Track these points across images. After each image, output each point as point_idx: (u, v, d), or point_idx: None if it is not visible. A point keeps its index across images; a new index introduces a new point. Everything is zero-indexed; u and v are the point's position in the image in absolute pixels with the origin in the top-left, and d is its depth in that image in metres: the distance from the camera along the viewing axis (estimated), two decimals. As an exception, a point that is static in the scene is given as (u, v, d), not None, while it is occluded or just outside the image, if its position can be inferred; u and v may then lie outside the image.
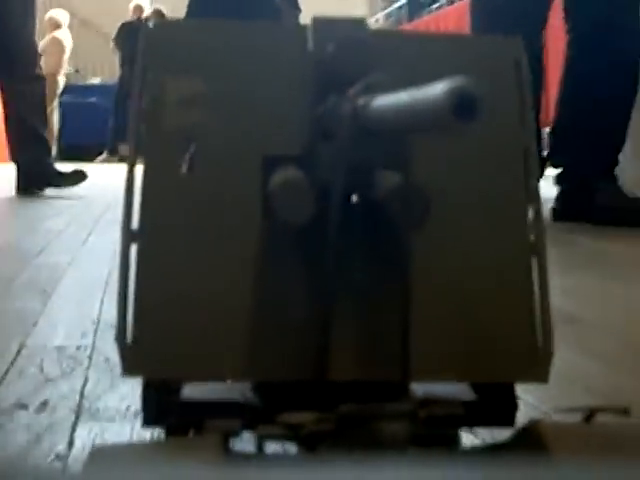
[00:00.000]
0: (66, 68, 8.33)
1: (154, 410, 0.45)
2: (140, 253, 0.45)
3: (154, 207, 0.45)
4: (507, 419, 0.46)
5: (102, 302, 1.17)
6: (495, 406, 0.46)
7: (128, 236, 0.45)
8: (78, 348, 0.92)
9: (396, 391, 0.44)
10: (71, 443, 0.63)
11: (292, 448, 0.42)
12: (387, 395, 0.44)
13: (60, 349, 0.92)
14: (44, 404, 0.72)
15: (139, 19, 8.32)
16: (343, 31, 0.46)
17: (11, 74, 3.27)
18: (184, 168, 0.46)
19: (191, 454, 0.38)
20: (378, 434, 0.41)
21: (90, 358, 0.88)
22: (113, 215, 2.52)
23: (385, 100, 0.37)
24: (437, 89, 0.32)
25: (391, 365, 0.45)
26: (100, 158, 8.08)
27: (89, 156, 7.83)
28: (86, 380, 0.80)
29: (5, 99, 3.38)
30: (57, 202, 3.02)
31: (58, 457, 0.60)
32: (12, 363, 0.85)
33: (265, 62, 0.47)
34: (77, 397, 0.74)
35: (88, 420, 0.68)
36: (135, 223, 0.45)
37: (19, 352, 0.90)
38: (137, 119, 0.47)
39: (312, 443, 0.41)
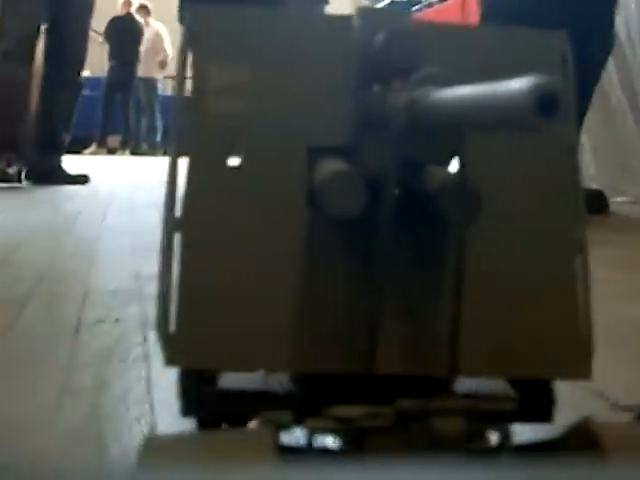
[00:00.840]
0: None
1: (192, 400, 0.45)
2: (183, 243, 0.45)
3: (197, 196, 0.45)
4: (545, 416, 0.47)
5: (136, 263, 1.48)
6: (534, 402, 0.47)
7: (171, 225, 0.45)
8: (129, 291, 1.23)
9: (440, 387, 0.45)
10: (145, 340, 0.94)
11: (337, 442, 0.43)
12: (431, 391, 0.44)
13: (115, 292, 1.23)
14: (117, 320, 1.04)
15: (128, 14, 8.60)
16: (390, 22, 0.45)
17: (56, 75, 3.44)
18: (228, 157, 0.46)
19: (244, 448, 0.38)
20: (431, 430, 0.41)
21: (140, 295, 1.19)
22: (119, 201, 2.84)
23: (447, 94, 0.37)
24: (518, 86, 0.32)
25: (438, 361, 0.45)
26: (88, 150, 8.34)
27: (77, 147, 8.08)
28: (142, 307, 1.11)
29: (41, 97, 3.51)
30: (62, 189, 3.32)
31: (135, 359, 0.91)
32: (83, 300, 1.17)
33: (310, 52, 0.47)
34: (139, 317, 1.06)
35: (153, 329, 1.00)
36: (178, 212, 0.45)
37: (85, 293, 1.21)
38: (180, 108, 0.47)
39: (362, 438, 0.41)
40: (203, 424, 0.46)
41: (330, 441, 0.42)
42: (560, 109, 0.31)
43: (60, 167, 3.57)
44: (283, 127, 0.46)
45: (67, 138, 3.62)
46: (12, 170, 3.33)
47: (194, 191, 0.45)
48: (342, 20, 0.47)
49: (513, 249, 0.47)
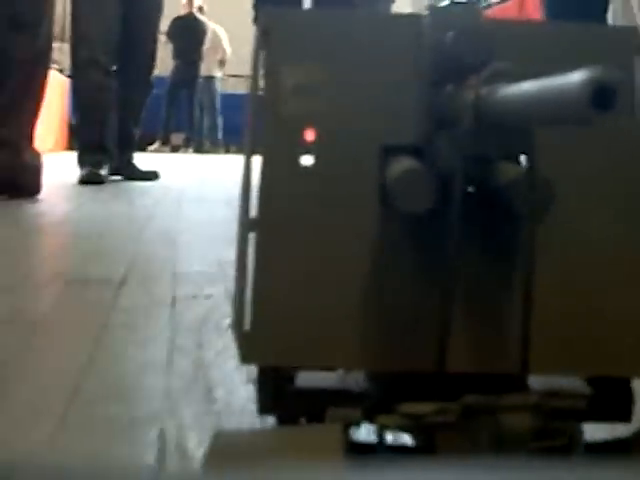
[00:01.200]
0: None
1: (269, 398, 0.46)
2: (258, 242, 0.45)
3: (272, 195, 0.46)
4: (624, 414, 0.47)
5: (216, 251, 1.63)
6: (612, 400, 0.46)
7: (246, 225, 0.46)
8: (214, 273, 1.38)
9: (514, 384, 0.45)
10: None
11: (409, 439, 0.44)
12: (505, 388, 0.44)
13: (202, 273, 1.38)
14: (209, 296, 1.19)
15: (190, 13, 8.81)
16: (460, 19, 0.45)
17: (128, 76, 3.57)
18: (300, 157, 0.46)
19: (313, 445, 0.39)
20: (498, 427, 0.41)
21: (225, 276, 1.33)
22: (190, 196, 3.00)
23: (511, 90, 0.37)
24: (573, 79, 0.31)
25: (510, 358, 0.45)
26: (152, 147, 8.54)
27: (141, 145, 8.27)
28: (228, 286, 1.25)
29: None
30: (135, 185, 3.49)
31: (228, 326, 1.05)
32: (173, 279, 1.32)
33: (382, 50, 0.47)
34: (227, 293, 1.20)
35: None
36: (253, 212, 0.46)
37: (174, 274, 1.36)
38: (254, 107, 0.47)
39: (431, 434, 0.42)
40: (282, 422, 0.47)
41: (402, 438, 0.44)
42: (617, 102, 0.30)
43: (132, 163, 3.74)
44: (356, 126, 0.46)
45: (137, 135, 3.78)
46: (103, 171, 3.46)
47: (268, 191, 0.46)
48: (413, 18, 0.48)
49: (586, 243, 0.46)
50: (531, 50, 0.48)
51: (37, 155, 2.75)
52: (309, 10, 0.54)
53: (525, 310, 0.44)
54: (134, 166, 3.72)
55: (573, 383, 0.46)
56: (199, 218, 2.22)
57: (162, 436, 0.64)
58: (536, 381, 0.46)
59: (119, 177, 3.61)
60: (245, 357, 0.45)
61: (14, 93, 2.64)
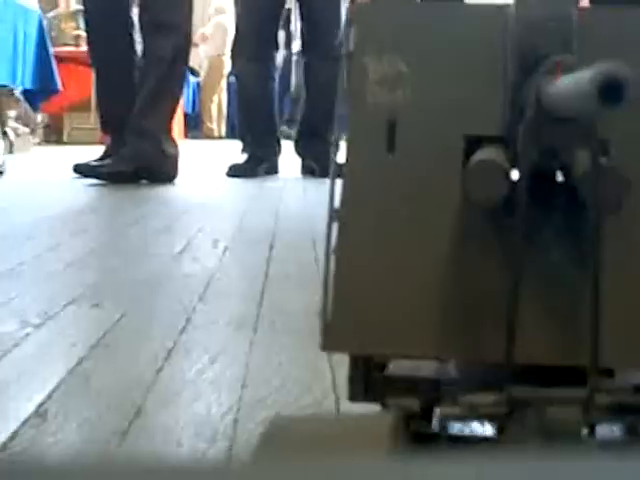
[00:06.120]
0: (232, 51, 9.22)
1: (360, 386, 0.48)
2: (340, 232, 0.47)
3: (355, 186, 0.47)
4: None
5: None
6: None
7: (331, 215, 0.47)
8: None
9: (583, 377, 0.44)
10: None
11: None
12: (576, 380, 0.44)
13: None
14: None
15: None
16: (544, 9, 0.46)
17: (314, 53, 3.57)
18: (386, 148, 0.47)
19: (372, 434, 0.39)
20: (549, 420, 0.42)
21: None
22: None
23: (554, 83, 0.39)
24: (586, 74, 0.32)
25: (580, 350, 0.45)
26: (264, 136, 8.90)
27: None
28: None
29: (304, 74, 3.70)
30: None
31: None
32: (313, 243, 1.65)
33: (466, 41, 0.48)
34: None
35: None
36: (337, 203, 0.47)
37: (314, 240, 1.70)
38: (341, 99, 0.49)
39: (500, 425, 0.43)
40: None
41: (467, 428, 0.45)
42: (626, 96, 0.32)
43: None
44: (439, 116, 0.47)
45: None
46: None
47: (351, 182, 0.47)
48: (498, 8, 0.48)
49: None
50: (620, 39, 0.47)
51: (175, 144, 3.14)
52: (395, 1, 0.54)
53: (595, 302, 0.44)
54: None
55: None
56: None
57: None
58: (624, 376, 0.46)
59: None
60: (325, 345, 0.47)
61: (154, 88, 3.03)
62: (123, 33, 3.16)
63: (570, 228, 0.46)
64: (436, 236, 0.47)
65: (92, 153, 3.42)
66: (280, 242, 1.67)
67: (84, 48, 7.15)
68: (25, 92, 5.22)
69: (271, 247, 1.60)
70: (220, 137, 8.89)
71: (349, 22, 0.49)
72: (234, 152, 4.21)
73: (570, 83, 0.36)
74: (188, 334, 0.94)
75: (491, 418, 0.43)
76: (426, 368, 0.48)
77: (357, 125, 0.48)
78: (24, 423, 0.66)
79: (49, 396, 0.73)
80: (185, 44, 3.12)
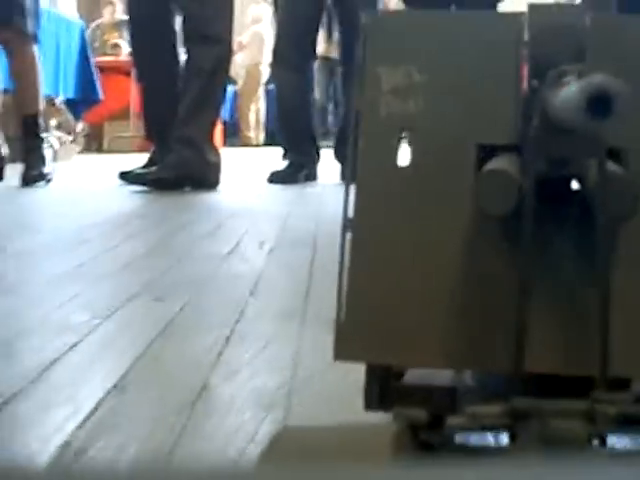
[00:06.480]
0: (269, 59, 9.33)
1: (375, 395, 0.48)
2: (353, 241, 0.47)
3: (367, 196, 0.47)
4: None
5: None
6: None
7: (345, 224, 0.47)
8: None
9: (592, 386, 0.44)
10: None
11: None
12: (584, 390, 0.43)
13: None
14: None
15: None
16: (559, 17, 0.46)
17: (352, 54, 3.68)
18: (398, 157, 0.47)
19: (379, 444, 0.40)
20: (551, 431, 0.41)
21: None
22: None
23: (554, 94, 0.39)
24: (575, 87, 0.33)
25: (590, 360, 0.44)
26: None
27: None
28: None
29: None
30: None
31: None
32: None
33: (480, 51, 0.48)
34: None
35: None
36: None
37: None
38: (356, 109, 0.49)
39: (512, 435, 0.42)
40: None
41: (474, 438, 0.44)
42: (614, 110, 0.32)
43: None
44: (453, 126, 0.47)
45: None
46: None
47: (364, 191, 0.48)
48: (512, 17, 0.48)
49: None
50: (629, 48, 0.47)
51: (217, 152, 3.26)
52: (408, 11, 0.54)
53: (605, 312, 0.44)
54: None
55: None
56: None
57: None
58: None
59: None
60: (338, 354, 0.47)
61: (196, 98, 3.14)
62: (166, 44, 3.28)
63: (582, 238, 0.46)
64: (448, 246, 0.47)
65: (133, 161, 3.54)
66: (321, 243, 1.76)
67: (123, 58, 7.33)
68: (67, 102, 5.35)
69: (313, 248, 1.70)
70: (258, 145, 9.00)
71: (363, 33, 0.49)
72: (273, 159, 4.31)
73: (566, 94, 0.36)
74: (242, 324, 1.04)
75: (495, 429, 0.42)
76: (443, 377, 0.48)
77: (370, 135, 0.48)
78: (107, 393, 0.76)
79: (126, 373, 0.82)
80: (226, 55, 3.23)
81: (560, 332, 0.46)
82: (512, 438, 0.42)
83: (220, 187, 3.23)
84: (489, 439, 0.46)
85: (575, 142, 0.41)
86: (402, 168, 0.48)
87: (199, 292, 1.26)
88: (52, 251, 1.74)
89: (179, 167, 3.10)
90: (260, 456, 0.41)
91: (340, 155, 3.67)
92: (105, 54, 7.54)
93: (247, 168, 4.64)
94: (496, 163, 0.44)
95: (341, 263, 0.48)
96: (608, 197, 0.42)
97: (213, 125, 3.27)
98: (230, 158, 3.98)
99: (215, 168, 3.21)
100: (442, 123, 0.48)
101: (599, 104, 0.32)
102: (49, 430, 0.67)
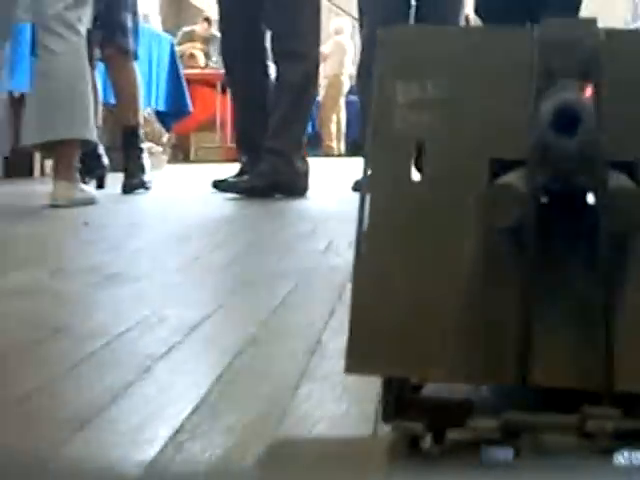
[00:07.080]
0: (350, 70, 9.52)
1: (392, 407, 0.48)
2: (366, 254, 0.48)
3: (380, 210, 0.48)
4: None
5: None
6: None
7: (359, 239, 0.49)
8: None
9: (599, 400, 0.44)
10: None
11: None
12: (574, 404, 0.44)
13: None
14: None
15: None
16: (570, 32, 0.46)
17: None
18: (411, 171, 0.48)
19: (376, 454, 0.41)
20: (542, 445, 0.42)
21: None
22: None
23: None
24: (546, 105, 0.34)
25: (595, 374, 0.45)
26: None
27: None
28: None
29: None
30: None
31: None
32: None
33: (494, 65, 0.48)
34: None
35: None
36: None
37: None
38: (371, 122, 0.49)
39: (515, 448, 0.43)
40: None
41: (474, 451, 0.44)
42: (580, 128, 0.33)
43: None
44: (465, 140, 0.47)
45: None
46: None
47: (376, 205, 0.48)
48: (525, 32, 0.48)
49: None
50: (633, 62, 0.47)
51: (305, 161, 3.47)
52: (422, 26, 0.54)
53: (610, 326, 0.44)
54: None
55: None
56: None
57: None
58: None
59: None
60: (348, 367, 0.48)
61: (286, 112, 3.36)
62: (258, 61, 3.49)
63: (592, 252, 0.46)
64: (458, 259, 0.47)
65: (222, 170, 3.71)
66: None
67: (209, 70, 7.54)
68: (157, 113, 5.56)
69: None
70: (340, 155, 9.17)
71: (380, 49, 0.49)
72: (355, 169, 4.48)
73: (542, 112, 0.38)
74: (342, 305, 1.24)
75: (493, 442, 0.43)
76: (460, 390, 0.49)
77: (383, 148, 0.49)
78: (217, 379, 0.82)
79: (238, 353, 0.96)
80: (314, 70, 3.44)
81: (565, 346, 0.46)
82: (516, 452, 0.44)
83: (309, 194, 3.44)
84: (493, 451, 0.46)
85: (575, 156, 0.42)
86: (416, 181, 0.49)
87: (302, 281, 1.45)
88: (166, 248, 1.95)
89: (270, 175, 3.30)
90: (258, 464, 0.42)
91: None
92: (192, 67, 7.76)
93: (331, 177, 4.82)
94: (507, 178, 0.45)
95: (354, 276, 0.49)
96: (614, 211, 0.43)
97: (302, 137, 3.48)
98: (314, 168, 4.16)
99: (304, 176, 3.43)
100: (456, 137, 0.48)
101: (565, 121, 0.34)
102: (158, 424, 0.65)
